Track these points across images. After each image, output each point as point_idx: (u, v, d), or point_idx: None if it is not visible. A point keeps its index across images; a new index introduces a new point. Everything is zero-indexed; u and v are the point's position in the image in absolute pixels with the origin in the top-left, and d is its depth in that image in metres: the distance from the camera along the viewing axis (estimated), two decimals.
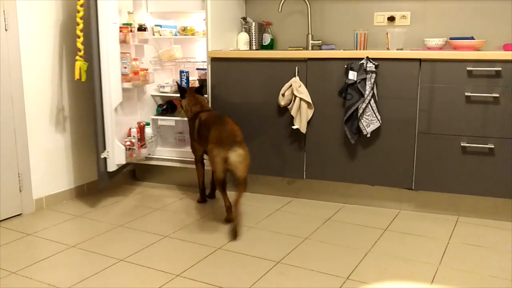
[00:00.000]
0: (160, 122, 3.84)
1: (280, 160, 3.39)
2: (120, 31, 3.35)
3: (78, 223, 3.06)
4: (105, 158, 3.27)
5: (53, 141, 3.37)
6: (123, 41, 3.42)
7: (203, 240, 2.77)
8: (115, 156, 3.32)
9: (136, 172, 3.93)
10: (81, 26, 3.15)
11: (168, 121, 3.83)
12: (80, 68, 3.16)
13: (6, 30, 3.00)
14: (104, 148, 3.26)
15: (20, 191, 3.16)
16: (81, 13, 3.13)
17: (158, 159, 3.80)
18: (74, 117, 3.51)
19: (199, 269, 2.41)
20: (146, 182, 3.89)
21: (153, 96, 3.89)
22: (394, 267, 2.44)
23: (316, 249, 2.65)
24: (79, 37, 3.16)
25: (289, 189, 3.50)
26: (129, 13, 3.52)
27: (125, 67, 3.40)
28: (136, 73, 3.49)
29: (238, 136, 2.87)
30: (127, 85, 3.44)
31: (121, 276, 2.35)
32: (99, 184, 3.33)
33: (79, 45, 3.16)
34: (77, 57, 3.17)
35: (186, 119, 3.74)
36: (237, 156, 2.77)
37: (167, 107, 3.85)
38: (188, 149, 3.84)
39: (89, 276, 2.34)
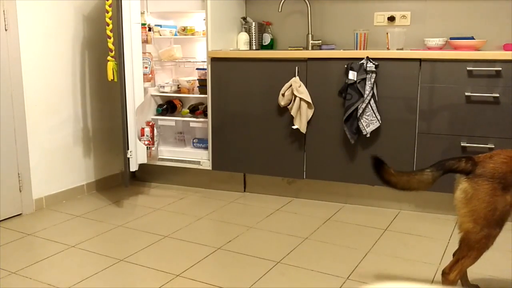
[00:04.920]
0: (160, 122, 3.85)
1: (280, 160, 3.39)
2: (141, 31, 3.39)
3: (78, 223, 3.06)
4: (128, 158, 3.29)
5: (53, 141, 3.37)
6: (145, 41, 3.48)
7: (203, 240, 2.77)
8: (138, 155, 3.38)
9: (136, 172, 3.92)
10: (111, 26, 3.16)
11: (168, 121, 3.83)
12: (113, 69, 3.18)
13: (6, 30, 3.00)
14: (128, 148, 3.28)
15: (20, 191, 3.16)
16: (110, 14, 3.13)
17: (158, 159, 3.80)
18: (74, 117, 3.51)
19: (199, 269, 2.41)
20: (146, 182, 3.89)
21: (153, 96, 3.89)
22: (394, 267, 2.44)
23: (316, 249, 2.65)
24: (109, 37, 3.17)
25: (289, 189, 3.50)
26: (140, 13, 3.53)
27: (145, 67, 3.42)
28: (151, 72, 3.57)
29: None
30: (147, 84, 3.49)
31: (121, 276, 2.35)
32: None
33: (110, 46, 3.17)
34: (109, 58, 3.18)
35: (186, 119, 3.76)
36: None
37: (167, 107, 3.85)
38: (188, 149, 3.84)
39: (89, 276, 2.34)
